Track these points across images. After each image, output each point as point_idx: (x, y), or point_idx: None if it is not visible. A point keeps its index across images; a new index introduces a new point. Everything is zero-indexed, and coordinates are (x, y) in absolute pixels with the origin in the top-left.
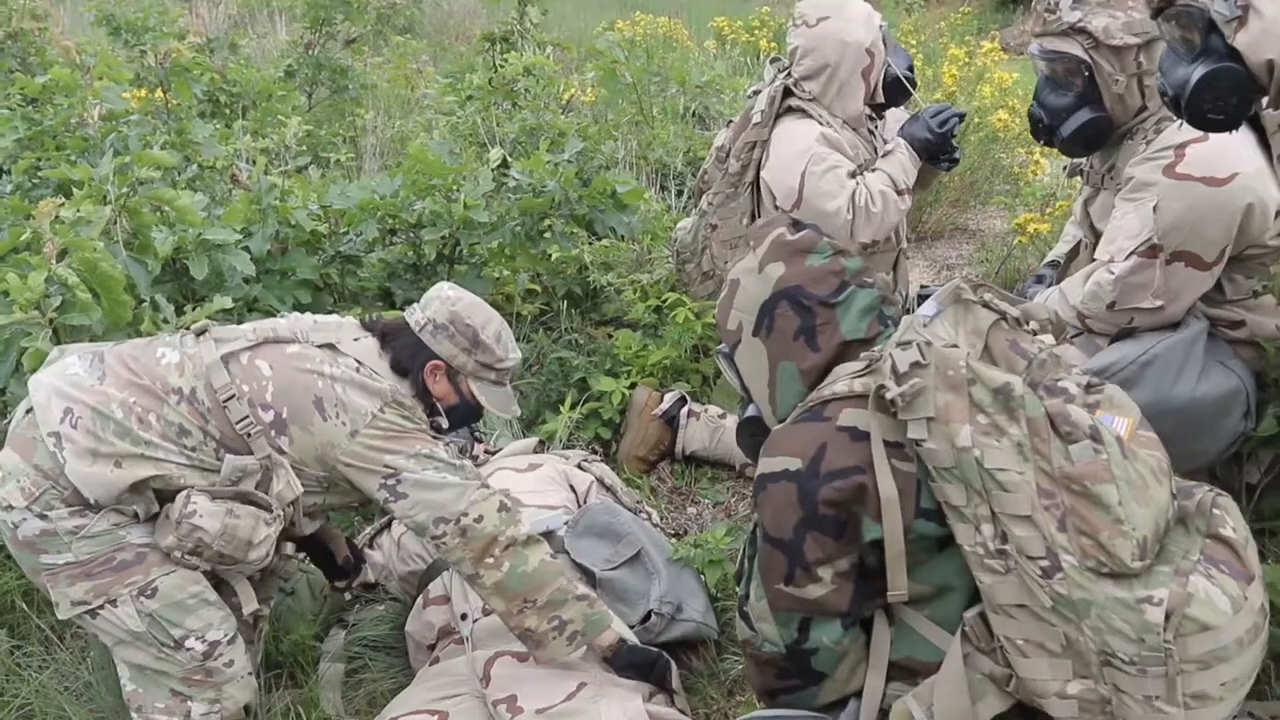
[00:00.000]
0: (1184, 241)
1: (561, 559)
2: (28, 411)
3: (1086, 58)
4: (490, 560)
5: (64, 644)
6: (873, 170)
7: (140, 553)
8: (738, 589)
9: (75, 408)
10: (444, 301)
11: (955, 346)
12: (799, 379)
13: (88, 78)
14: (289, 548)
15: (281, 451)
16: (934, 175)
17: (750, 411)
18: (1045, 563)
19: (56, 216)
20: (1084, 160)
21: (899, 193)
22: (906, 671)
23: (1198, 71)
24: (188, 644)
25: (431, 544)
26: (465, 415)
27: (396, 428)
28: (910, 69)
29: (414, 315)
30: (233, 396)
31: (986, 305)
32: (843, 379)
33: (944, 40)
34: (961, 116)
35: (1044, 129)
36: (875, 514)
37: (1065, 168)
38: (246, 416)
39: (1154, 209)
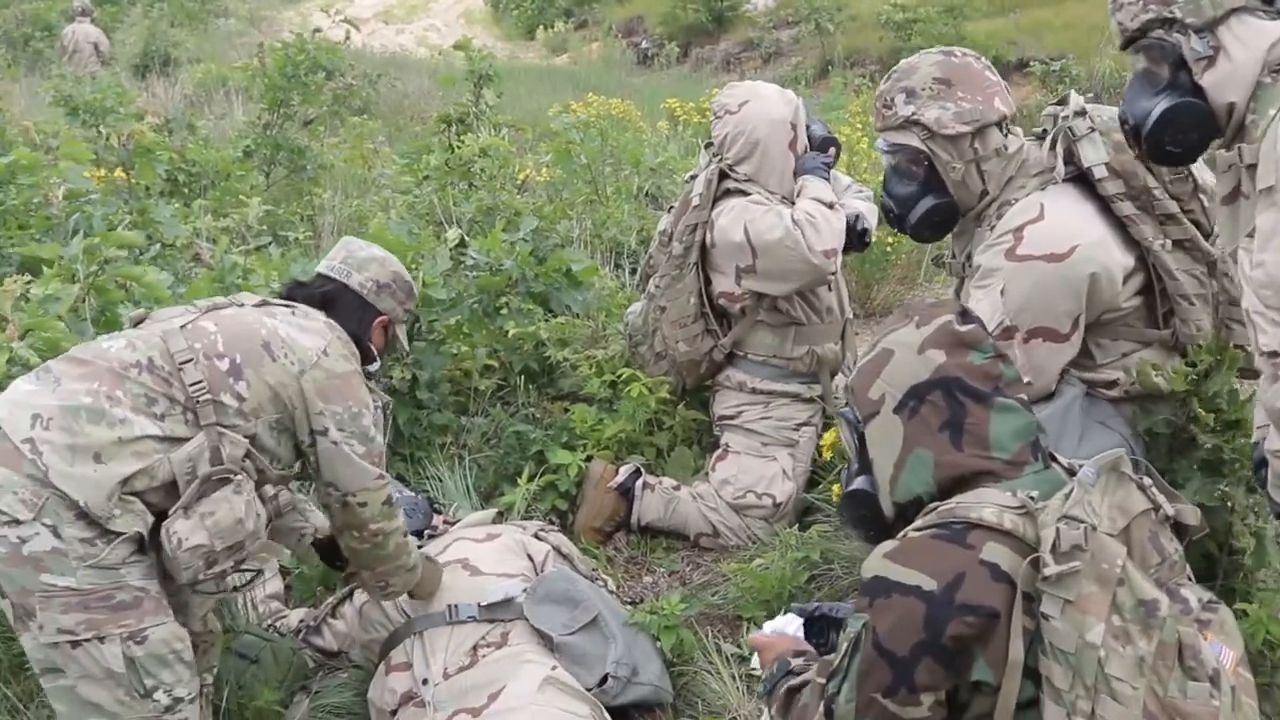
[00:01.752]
0: (1036, 319)
1: (520, 624)
2: None
3: (924, 148)
4: (355, 534)
5: (31, 708)
6: (799, 201)
7: (137, 596)
8: (829, 685)
9: (42, 412)
10: (382, 264)
11: (1110, 535)
12: (931, 470)
13: (49, 157)
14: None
15: (240, 398)
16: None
17: (858, 484)
18: None
19: (23, 295)
20: (946, 251)
21: (829, 206)
22: None
23: (1161, 105)
24: (155, 695)
25: (319, 490)
26: (382, 355)
27: (339, 373)
28: (830, 134)
29: (350, 278)
30: (189, 360)
31: (1143, 489)
32: (991, 505)
33: None
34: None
35: (894, 218)
36: (989, 659)
37: (933, 260)
38: (200, 380)
39: (1001, 292)
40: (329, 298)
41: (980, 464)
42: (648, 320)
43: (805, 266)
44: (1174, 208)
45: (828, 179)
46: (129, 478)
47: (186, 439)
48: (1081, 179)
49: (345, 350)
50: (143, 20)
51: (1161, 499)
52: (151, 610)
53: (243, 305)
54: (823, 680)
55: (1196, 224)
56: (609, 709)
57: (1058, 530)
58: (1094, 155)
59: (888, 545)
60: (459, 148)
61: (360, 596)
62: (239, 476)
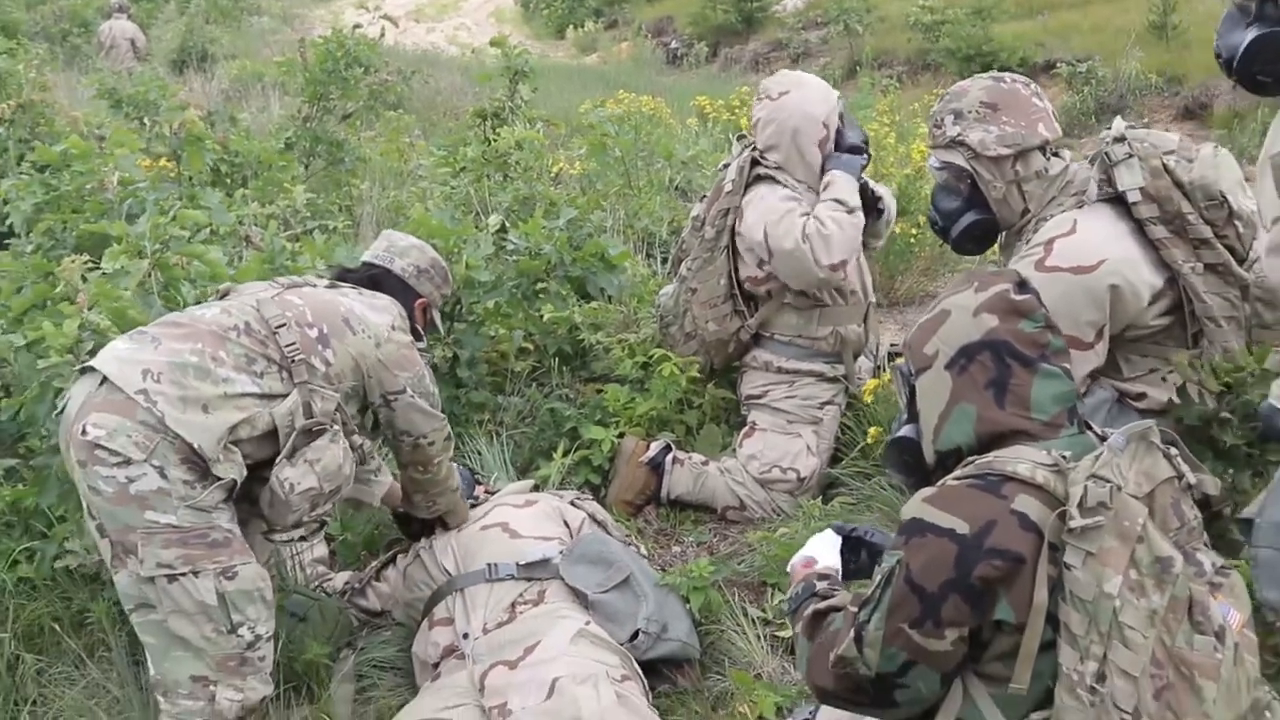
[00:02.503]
0: (1061, 326)
1: (556, 583)
2: (101, 384)
3: (968, 167)
4: (420, 469)
5: (94, 661)
6: (821, 203)
7: (228, 536)
8: (860, 613)
9: (151, 367)
10: (421, 250)
11: (1134, 497)
12: (973, 424)
13: (100, 147)
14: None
15: (327, 364)
16: (873, 233)
17: (904, 431)
18: (1128, 717)
19: (85, 272)
20: (995, 260)
21: (849, 211)
22: None
23: (1249, 35)
24: (240, 631)
25: (391, 438)
26: (421, 338)
27: (405, 344)
28: (865, 142)
29: (393, 264)
30: (283, 324)
31: (1169, 459)
32: (1026, 461)
33: (917, 120)
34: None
35: (939, 230)
36: (1013, 600)
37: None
38: (295, 342)
39: None
40: (375, 281)
41: (1019, 423)
42: (679, 302)
43: (811, 277)
44: (1207, 232)
45: (857, 179)
46: (235, 425)
47: (283, 395)
48: (1119, 201)
49: (405, 325)
50: (178, 17)
51: (1185, 469)
52: (240, 550)
53: (315, 285)
54: (855, 609)
55: (1230, 249)
56: (640, 663)
57: (1085, 488)
58: (1130, 179)
59: (927, 491)
60: (495, 140)
61: (404, 560)
62: (335, 427)
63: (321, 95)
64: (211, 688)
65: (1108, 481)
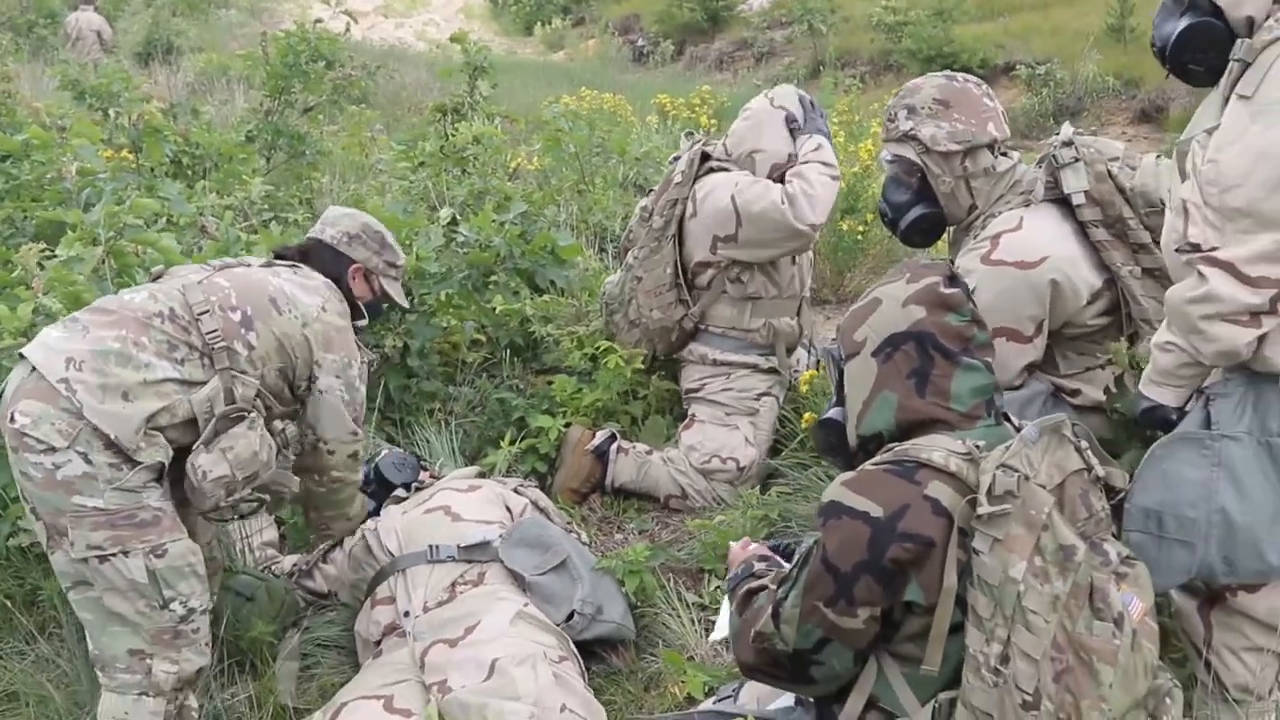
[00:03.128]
0: (1001, 319)
1: (496, 566)
2: (31, 371)
3: (918, 161)
4: (316, 478)
5: (44, 638)
6: (804, 163)
7: (157, 515)
8: (779, 591)
9: (75, 355)
10: (351, 217)
11: (1042, 487)
12: (894, 412)
13: (61, 137)
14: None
15: (250, 347)
16: None
17: (832, 414)
18: (1029, 698)
19: (41, 259)
20: (945, 257)
21: (833, 177)
22: (872, 706)
23: (1181, 25)
24: (172, 605)
25: (300, 432)
26: (375, 311)
27: (336, 326)
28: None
29: (324, 233)
30: (206, 311)
31: (1079, 451)
32: (941, 449)
33: (873, 119)
34: None
35: (888, 221)
36: (923, 582)
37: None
38: (216, 329)
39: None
40: (305, 251)
41: (938, 412)
42: (624, 289)
43: (788, 234)
44: (1146, 238)
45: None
46: (153, 414)
47: (203, 382)
48: (1064, 203)
49: (340, 308)
50: (145, 9)
51: (1095, 461)
52: (170, 527)
53: (250, 265)
54: (774, 586)
55: None
56: (576, 643)
57: (994, 476)
58: (1075, 183)
59: (846, 475)
60: (453, 135)
61: (349, 542)
62: (252, 414)
63: (283, 89)
64: (148, 660)
65: (1016, 471)
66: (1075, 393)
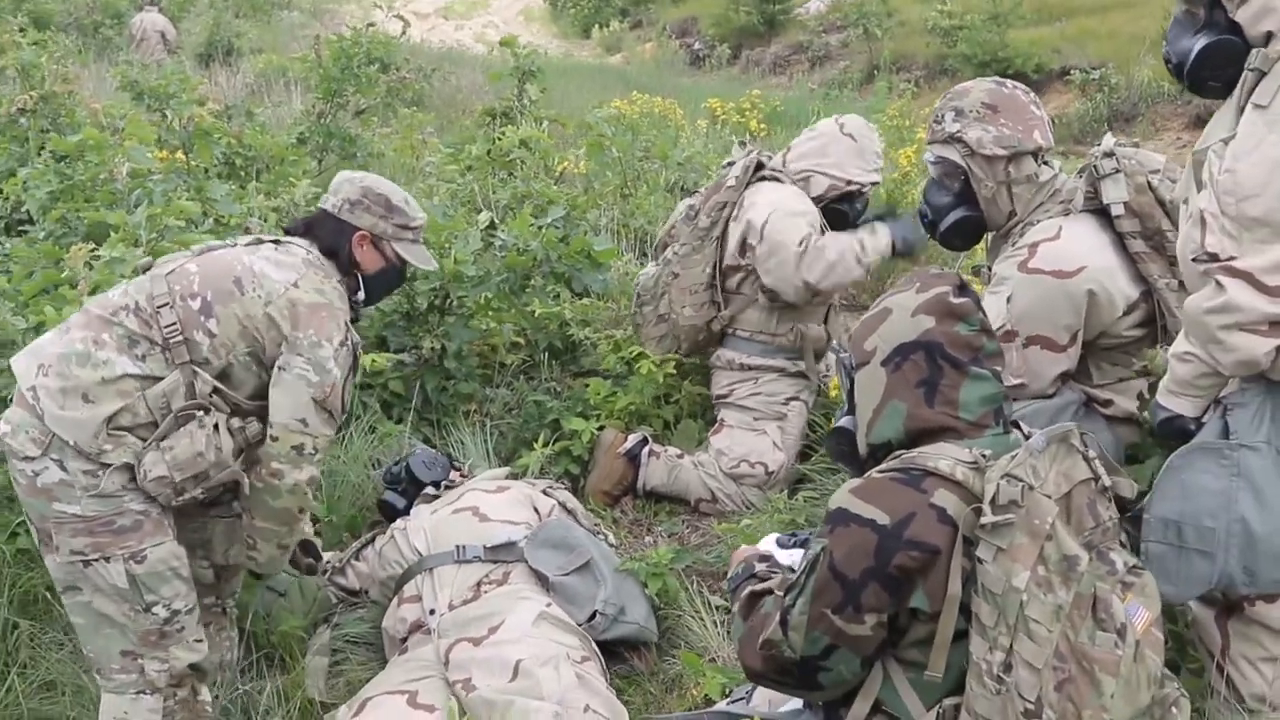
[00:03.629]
0: (1037, 327)
1: (521, 566)
2: None
3: (962, 164)
4: (258, 470)
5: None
6: (852, 233)
7: (138, 520)
8: (786, 598)
9: (45, 361)
10: (352, 182)
11: (1049, 496)
12: (903, 420)
13: (116, 138)
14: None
15: (211, 335)
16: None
17: (843, 422)
18: (1031, 707)
19: (88, 261)
20: (984, 263)
21: (860, 263)
22: (877, 710)
23: (1199, 42)
24: (154, 609)
25: (258, 433)
26: (392, 279)
27: (307, 302)
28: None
29: (327, 202)
30: (166, 304)
31: (1087, 461)
32: (947, 458)
33: (920, 127)
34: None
35: (928, 223)
36: (928, 589)
37: (973, 270)
38: (174, 322)
39: (1007, 299)
40: (309, 223)
41: (946, 421)
42: (659, 283)
43: (785, 278)
44: None
45: (901, 251)
46: (113, 415)
47: (163, 378)
48: (1103, 213)
49: (320, 285)
50: (208, 10)
51: (1102, 471)
52: (151, 532)
53: (235, 244)
54: (781, 593)
55: None
56: (599, 644)
57: (998, 485)
58: (1114, 193)
59: (854, 482)
60: (500, 139)
61: (381, 540)
62: (200, 413)
63: (336, 92)
64: (140, 660)
65: (1020, 480)
66: (1108, 403)
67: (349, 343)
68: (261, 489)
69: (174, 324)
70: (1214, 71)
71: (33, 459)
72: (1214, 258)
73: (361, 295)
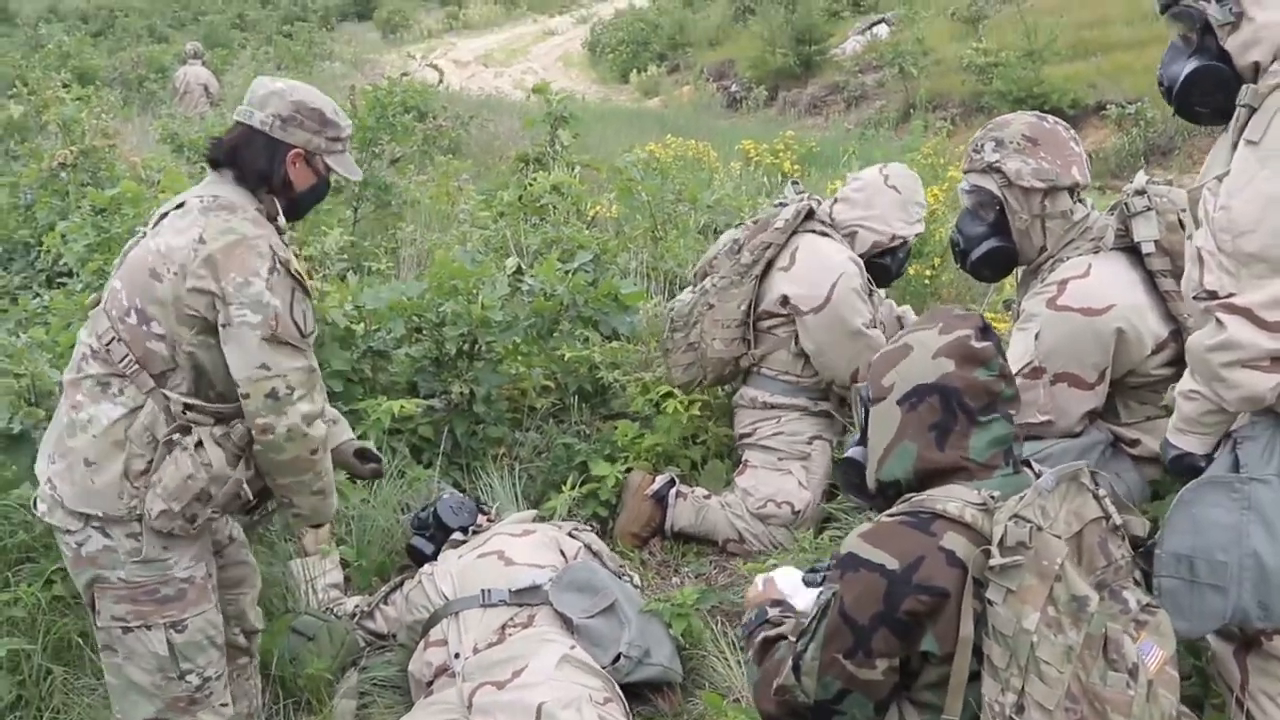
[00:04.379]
0: (1064, 364)
1: (545, 609)
2: None
3: (998, 194)
4: (254, 434)
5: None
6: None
7: (181, 589)
8: (798, 644)
9: (49, 450)
10: (280, 95)
11: (1059, 536)
12: (912, 461)
13: (153, 190)
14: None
15: (159, 336)
16: None
17: (854, 453)
18: None
19: None
20: (1013, 298)
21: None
22: None
23: (1188, 67)
24: (188, 677)
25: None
26: (320, 192)
27: (218, 249)
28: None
29: (253, 118)
30: (112, 339)
31: (1098, 499)
32: (956, 500)
33: (953, 165)
34: None
35: (959, 253)
36: (938, 633)
37: (1003, 305)
38: (126, 354)
39: (1035, 336)
40: (236, 144)
41: (956, 462)
42: (694, 311)
43: (829, 365)
44: None
45: None
46: (125, 469)
47: (142, 406)
48: (1134, 251)
49: (225, 223)
50: (250, 63)
51: (1113, 509)
52: (195, 600)
53: (143, 235)
54: (794, 638)
55: None
56: (623, 686)
57: (1006, 527)
58: (1146, 231)
59: (864, 527)
60: (531, 185)
61: (409, 584)
62: (178, 435)
63: (371, 140)
64: None
65: (1028, 522)
66: (1135, 442)
67: (278, 266)
68: (261, 450)
69: (125, 356)
70: (1202, 97)
71: (74, 531)
72: (1213, 295)
73: (282, 219)
